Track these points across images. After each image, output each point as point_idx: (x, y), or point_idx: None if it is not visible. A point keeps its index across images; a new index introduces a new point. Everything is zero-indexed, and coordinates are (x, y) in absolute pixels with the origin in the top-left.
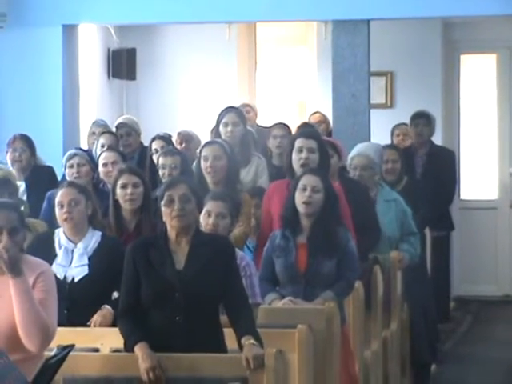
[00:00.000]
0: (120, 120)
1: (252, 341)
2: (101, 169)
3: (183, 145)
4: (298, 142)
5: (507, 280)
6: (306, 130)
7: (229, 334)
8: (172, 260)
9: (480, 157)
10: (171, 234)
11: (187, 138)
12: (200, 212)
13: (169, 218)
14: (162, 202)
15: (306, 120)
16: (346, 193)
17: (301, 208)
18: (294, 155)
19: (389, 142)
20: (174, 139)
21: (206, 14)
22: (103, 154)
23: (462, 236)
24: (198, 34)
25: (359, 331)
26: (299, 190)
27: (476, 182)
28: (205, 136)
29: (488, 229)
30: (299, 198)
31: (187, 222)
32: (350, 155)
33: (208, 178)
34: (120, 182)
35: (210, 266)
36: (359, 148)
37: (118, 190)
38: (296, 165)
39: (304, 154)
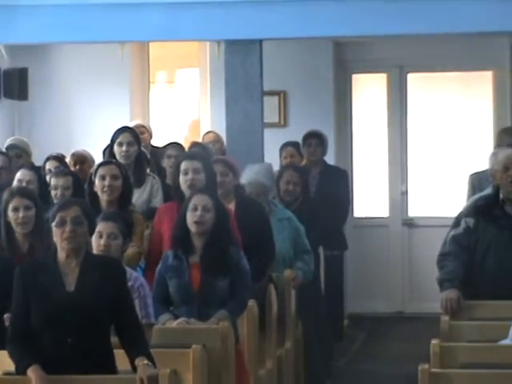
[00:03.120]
0: (9, 141)
1: (146, 361)
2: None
3: (77, 166)
4: (183, 165)
5: (399, 297)
6: (191, 151)
7: (121, 355)
8: (62, 282)
9: (372, 175)
10: (61, 255)
11: (81, 158)
12: (92, 234)
13: (59, 239)
14: (54, 223)
15: (200, 139)
16: (242, 211)
17: (193, 228)
18: (181, 177)
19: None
20: (68, 160)
21: (99, 33)
22: (20, 172)
23: (355, 253)
24: (91, 53)
25: (254, 350)
26: (190, 209)
27: (368, 201)
28: (99, 156)
29: (380, 246)
30: (190, 218)
31: (78, 244)
32: (242, 182)
33: (103, 197)
34: (11, 206)
35: (101, 288)
36: (250, 176)
37: (10, 213)
38: (183, 186)
39: (190, 176)
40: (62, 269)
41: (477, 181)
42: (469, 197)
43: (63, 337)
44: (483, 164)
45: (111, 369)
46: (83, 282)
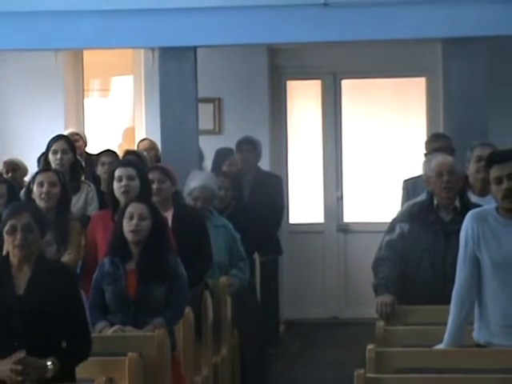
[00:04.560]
0: None
1: (50, 362)
2: None
3: (9, 174)
4: (117, 172)
5: (335, 302)
6: (125, 158)
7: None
8: (12, 284)
9: (307, 181)
10: (13, 260)
11: (13, 166)
12: (43, 238)
13: (11, 246)
14: (5, 230)
15: (135, 147)
16: (180, 218)
17: (129, 236)
18: (115, 184)
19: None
20: (0, 168)
21: (32, 41)
22: None
23: (291, 260)
24: (25, 61)
25: (190, 357)
26: (126, 218)
27: (304, 207)
28: (34, 165)
29: (316, 252)
30: (127, 227)
31: (29, 251)
32: (192, 185)
33: (41, 204)
34: None
35: (51, 293)
36: (201, 179)
37: None
38: (117, 193)
39: (124, 182)
40: (14, 272)
41: (411, 186)
42: (403, 202)
43: (11, 340)
44: (417, 170)
45: (67, 377)
46: (34, 286)
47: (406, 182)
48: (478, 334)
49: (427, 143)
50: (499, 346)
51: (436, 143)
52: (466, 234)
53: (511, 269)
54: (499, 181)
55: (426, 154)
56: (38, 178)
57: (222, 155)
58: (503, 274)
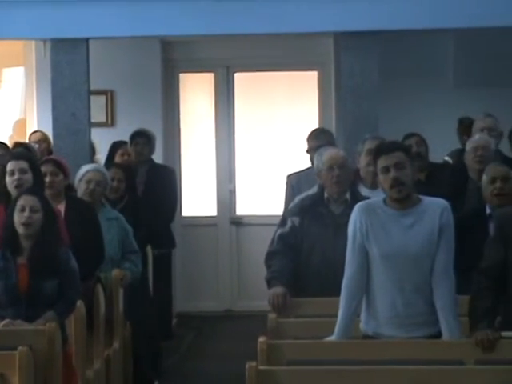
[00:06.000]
0: None
1: None
2: None
3: None
4: (9, 165)
5: (228, 295)
6: (17, 151)
7: None
8: None
9: (200, 174)
10: None
11: None
12: None
13: None
14: None
15: (26, 139)
16: (72, 211)
17: (20, 229)
18: (8, 178)
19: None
20: None
21: None
22: None
23: (184, 253)
24: None
25: (82, 350)
26: (17, 210)
27: (197, 199)
28: None
29: (209, 245)
30: (18, 219)
31: None
32: (84, 169)
33: None
34: None
35: None
36: (92, 165)
37: None
38: (10, 187)
39: (16, 176)
40: None
41: (295, 181)
42: (287, 197)
43: None
44: (306, 163)
45: None
46: None
47: (289, 176)
48: (365, 325)
49: (308, 140)
50: (388, 336)
51: (317, 141)
52: (354, 227)
53: (400, 260)
54: (386, 170)
55: (307, 151)
56: None
57: (116, 149)
58: (392, 265)
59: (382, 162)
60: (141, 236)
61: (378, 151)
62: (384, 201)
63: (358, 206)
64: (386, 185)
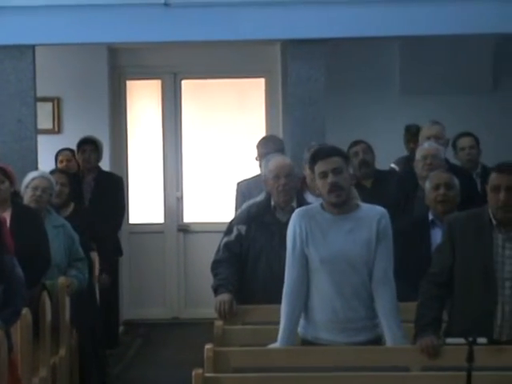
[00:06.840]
0: None
1: None
2: None
3: None
4: None
5: (175, 303)
6: None
7: None
8: None
9: (147, 182)
10: None
11: None
12: None
13: None
14: None
15: None
16: (18, 219)
17: None
18: None
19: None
20: None
21: None
22: None
23: (131, 260)
24: None
25: (27, 358)
26: None
27: (144, 207)
28: None
29: (156, 252)
30: None
31: None
32: (31, 176)
33: None
34: None
35: None
36: (38, 171)
37: None
38: None
39: None
40: None
41: (245, 188)
42: (237, 204)
43: None
44: (255, 170)
45: None
46: None
47: (239, 184)
48: (304, 330)
49: (258, 147)
50: (327, 341)
51: (265, 148)
52: (293, 233)
53: (339, 264)
54: (324, 175)
55: (256, 158)
56: None
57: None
58: (331, 269)
59: (319, 167)
60: (87, 244)
61: (316, 157)
62: (322, 206)
63: (296, 212)
64: (324, 190)
